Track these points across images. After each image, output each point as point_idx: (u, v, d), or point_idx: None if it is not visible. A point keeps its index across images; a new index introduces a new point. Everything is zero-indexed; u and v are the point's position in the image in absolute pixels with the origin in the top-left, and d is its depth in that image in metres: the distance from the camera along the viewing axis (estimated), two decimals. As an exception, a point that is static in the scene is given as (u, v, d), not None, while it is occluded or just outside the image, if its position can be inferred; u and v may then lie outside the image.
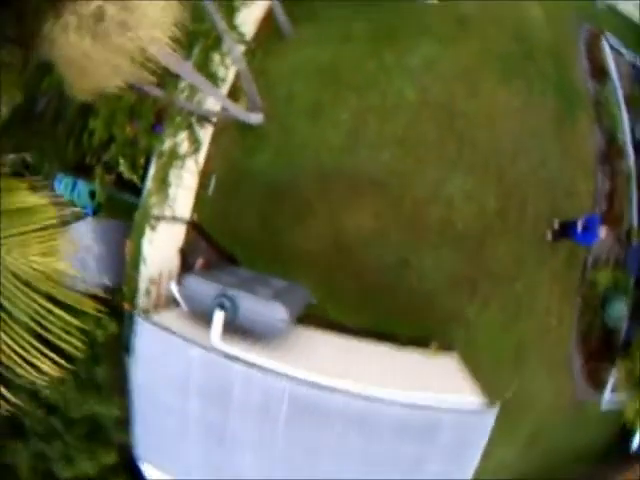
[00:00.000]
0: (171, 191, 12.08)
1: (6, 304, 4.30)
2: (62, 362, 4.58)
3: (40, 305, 4.45)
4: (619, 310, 14.15)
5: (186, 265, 12.39)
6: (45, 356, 4.53)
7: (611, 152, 14.65)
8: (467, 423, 8.95)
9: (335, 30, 13.24)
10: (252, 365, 8.54)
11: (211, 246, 12.61)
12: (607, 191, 14.52)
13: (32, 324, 4.47)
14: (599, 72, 14.98)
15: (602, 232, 12.53)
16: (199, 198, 12.80)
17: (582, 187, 14.20)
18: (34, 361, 4.49)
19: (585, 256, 14.08)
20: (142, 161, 12.10)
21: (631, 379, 13.41)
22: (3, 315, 4.30)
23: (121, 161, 11.94)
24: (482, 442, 9.05)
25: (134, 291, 11.60)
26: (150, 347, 9.37)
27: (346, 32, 13.18)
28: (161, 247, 12.00)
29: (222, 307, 8.90)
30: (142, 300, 11.59)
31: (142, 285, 11.63)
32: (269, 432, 8.78)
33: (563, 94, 14.11)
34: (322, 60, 12.93)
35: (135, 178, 12.04)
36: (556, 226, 13.46)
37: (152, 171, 12.00)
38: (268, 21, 13.19)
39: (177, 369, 9.16)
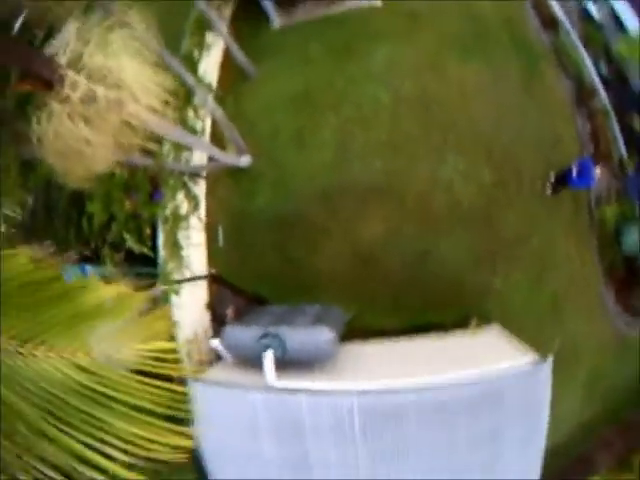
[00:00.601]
0: (184, 253, 12.51)
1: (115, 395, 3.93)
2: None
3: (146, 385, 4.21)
4: (634, 238, 14.61)
5: (218, 318, 12.72)
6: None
7: (583, 94, 15.20)
8: (527, 382, 9.35)
9: (294, 57, 13.83)
10: (314, 392, 8.88)
11: (237, 293, 12.90)
12: (589, 132, 15.08)
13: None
14: (550, 23, 15.54)
15: (597, 172, 13.10)
16: (212, 251, 13.21)
17: (565, 135, 14.79)
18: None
19: (588, 198, 14.64)
20: (148, 231, 12.49)
21: None
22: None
23: (127, 237, 12.28)
24: (546, 397, 9.49)
25: (177, 358, 12.02)
26: (211, 407, 9.51)
27: (305, 56, 13.77)
28: (189, 308, 12.35)
29: (269, 347, 9.34)
30: (187, 364, 11.86)
31: (182, 350, 11.92)
32: (349, 450, 9.04)
33: (523, 54, 14.69)
34: (291, 89, 13.52)
35: (145, 250, 12.42)
36: (553, 179, 13.98)
37: (161, 239, 12.41)
38: (229, 65, 13.76)
39: (243, 419, 9.41)
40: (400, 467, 9.15)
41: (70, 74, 5.92)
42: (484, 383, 8.93)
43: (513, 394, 9.15)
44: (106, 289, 4.35)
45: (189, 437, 4.04)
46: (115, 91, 6.27)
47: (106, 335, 3.95)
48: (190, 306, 12.39)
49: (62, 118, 6.03)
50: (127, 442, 3.62)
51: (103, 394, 3.70)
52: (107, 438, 3.54)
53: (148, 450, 3.70)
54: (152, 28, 7.22)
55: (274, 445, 9.33)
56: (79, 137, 6.22)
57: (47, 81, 5.88)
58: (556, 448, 12.38)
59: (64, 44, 6.17)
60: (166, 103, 7.05)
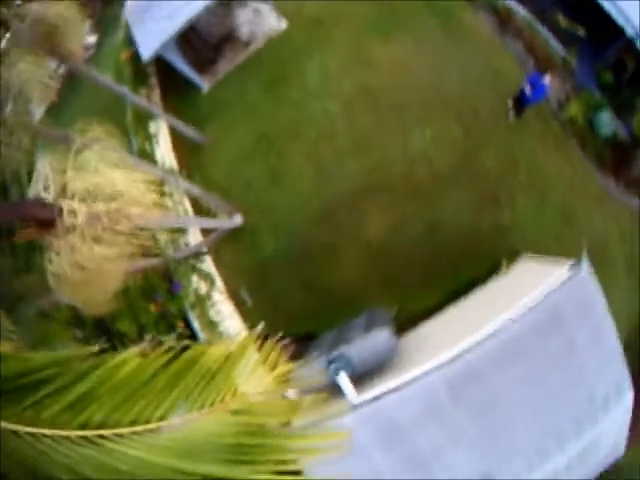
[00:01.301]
0: (221, 327, 13.09)
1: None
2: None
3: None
4: (605, 120, 15.37)
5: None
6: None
7: (503, 19, 16.00)
8: (574, 287, 9.88)
9: (236, 109, 14.61)
10: (396, 388, 9.32)
11: (281, 339, 13.39)
12: (524, 49, 15.90)
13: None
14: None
15: (546, 81, 13.80)
16: (245, 314, 13.64)
17: (504, 63, 15.63)
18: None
19: (550, 108, 15.40)
20: (181, 324, 13.02)
21: None
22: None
23: (164, 339, 12.44)
24: (597, 293, 10.14)
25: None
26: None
27: (245, 103, 14.61)
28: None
29: (339, 370, 9.96)
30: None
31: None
32: (451, 423, 9.59)
33: (435, 10, 15.61)
34: (246, 138, 14.31)
35: (187, 342, 12.79)
36: (511, 105, 14.72)
37: (196, 324, 13.00)
38: (180, 143, 14.43)
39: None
40: (502, 414, 9.72)
41: (65, 204, 6.11)
42: (540, 304, 9.49)
43: (567, 303, 9.78)
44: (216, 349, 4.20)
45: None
46: (110, 202, 6.54)
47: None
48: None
49: (73, 247, 6.18)
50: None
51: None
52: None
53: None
54: (112, 136, 7.65)
55: (385, 456, 9.73)
56: (95, 257, 6.39)
57: (47, 221, 6.07)
58: (629, 341, 13.17)
59: (44, 181, 6.31)
60: (154, 197, 7.33)
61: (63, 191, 6.20)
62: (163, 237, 12.88)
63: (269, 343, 4.28)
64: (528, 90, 13.88)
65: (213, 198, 12.93)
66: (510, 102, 14.78)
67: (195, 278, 13.38)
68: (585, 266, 9.96)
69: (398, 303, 13.02)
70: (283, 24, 15.34)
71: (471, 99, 14.73)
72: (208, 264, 13.73)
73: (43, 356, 3.62)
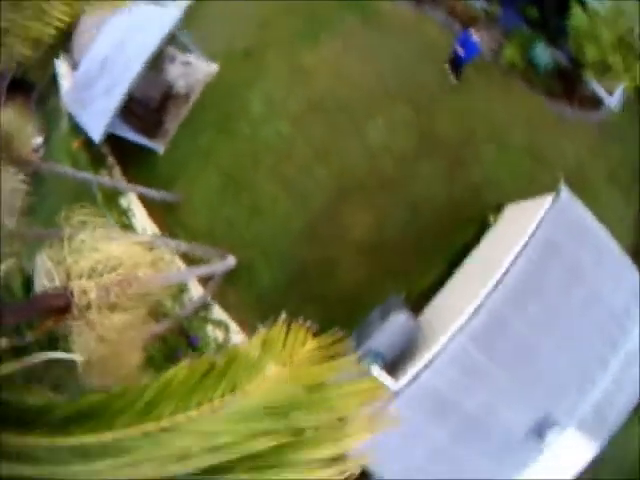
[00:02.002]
0: None
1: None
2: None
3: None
4: (543, 53, 16.11)
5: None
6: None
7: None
8: (562, 213, 10.62)
9: (196, 160, 15.24)
10: (430, 361, 9.91)
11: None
12: (443, 13, 16.70)
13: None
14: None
15: (475, 35, 14.53)
16: None
17: (430, 32, 16.48)
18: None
19: (486, 60, 16.12)
20: None
21: (599, 67, 14.77)
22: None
23: None
24: (588, 215, 10.86)
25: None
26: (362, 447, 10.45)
27: (202, 152, 15.23)
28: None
29: (371, 363, 10.47)
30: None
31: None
32: (488, 378, 10.20)
33: (352, 7, 16.36)
34: (215, 183, 14.93)
35: None
36: (449, 69, 15.48)
37: None
38: (155, 208, 14.87)
39: (393, 432, 10.24)
40: (535, 354, 10.33)
41: (74, 286, 6.29)
42: (533, 239, 10.20)
43: (559, 231, 10.56)
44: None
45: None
46: (114, 272, 6.74)
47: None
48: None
49: (92, 323, 6.41)
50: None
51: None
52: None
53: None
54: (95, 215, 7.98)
55: (441, 429, 10.28)
56: (114, 326, 6.67)
57: (62, 307, 6.25)
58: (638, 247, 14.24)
59: (47, 274, 6.53)
60: (151, 258, 7.60)
61: (68, 276, 6.43)
62: (168, 300, 13.22)
63: (294, 328, 4.74)
64: (460, 51, 14.60)
65: (202, 248, 13.37)
66: (447, 67, 15.47)
67: (210, 327, 13.91)
68: (564, 192, 10.65)
69: (405, 288, 13.64)
70: (214, 66, 15.91)
71: (410, 77, 15.54)
72: (217, 311, 14.19)
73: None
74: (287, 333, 4.71)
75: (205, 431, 4.02)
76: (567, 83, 16.44)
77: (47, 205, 13.26)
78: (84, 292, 6.46)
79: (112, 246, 7.15)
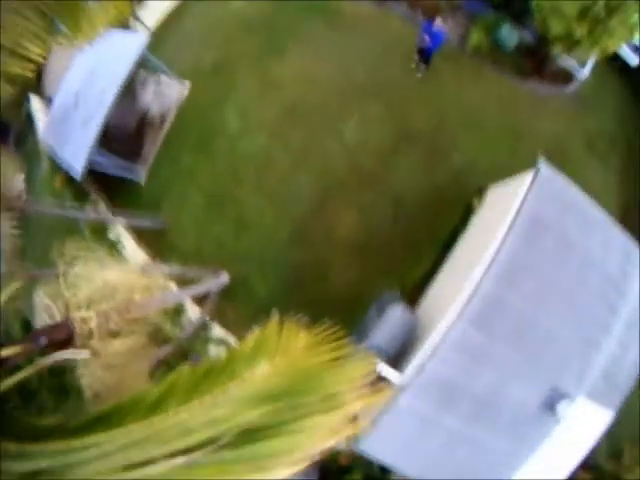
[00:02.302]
0: None
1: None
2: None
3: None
4: (508, 34, 16.52)
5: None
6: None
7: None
8: (544, 188, 10.83)
9: (178, 183, 15.54)
10: (434, 352, 10.11)
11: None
12: (405, 6, 17.15)
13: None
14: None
15: (440, 25, 14.75)
16: None
17: (395, 26, 16.89)
18: None
19: (453, 48, 16.59)
20: None
21: (565, 41, 14.93)
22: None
23: None
24: (569, 186, 11.08)
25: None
26: (383, 449, 10.79)
27: (184, 173, 15.49)
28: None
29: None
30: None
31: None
32: (491, 361, 10.35)
33: (314, 12, 16.92)
34: (198, 202, 15.20)
35: None
36: (417, 60, 15.86)
37: None
38: (144, 236, 15.05)
39: (407, 425, 10.56)
40: (536, 329, 10.50)
41: (74, 317, 6.44)
42: (518, 216, 10.41)
43: (542, 204, 10.74)
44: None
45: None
46: (112, 299, 7.00)
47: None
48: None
49: (96, 351, 6.53)
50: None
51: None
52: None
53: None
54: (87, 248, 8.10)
55: (453, 416, 10.44)
56: (118, 351, 6.89)
57: (65, 339, 6.33)
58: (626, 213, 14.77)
59: (47, 309, 6.79)
60: (146, 283, 7.94)
61: (67, 309, 6.64)
62: (168, 324, 13.38)
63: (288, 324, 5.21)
64: (426, 41, 14.78)
65: (194, 269, 13.41)
66: (415, 58, 15.82)
67: (212, 347, 14.06)
68: (544, 167, 10.87)
69: (398, 282, 13.97)
70: (186, 86, 16.19)
71: (380, 73, 15.92)
72: (217, 330, 14.35)
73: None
74: (281, 329, 5.14)
75: (207, 418, 4.34)
76: (536, 60, 16.80)
77: (37, 244, 13.43)
78: (84, 322, 6.60)
79: (106, 275, 7.43)
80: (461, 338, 10.15)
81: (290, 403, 4.38)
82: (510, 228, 10.32)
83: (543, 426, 10.66)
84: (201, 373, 4.79)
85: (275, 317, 5.28)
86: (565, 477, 11.53)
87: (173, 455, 4.13)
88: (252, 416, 4.27)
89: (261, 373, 4.63)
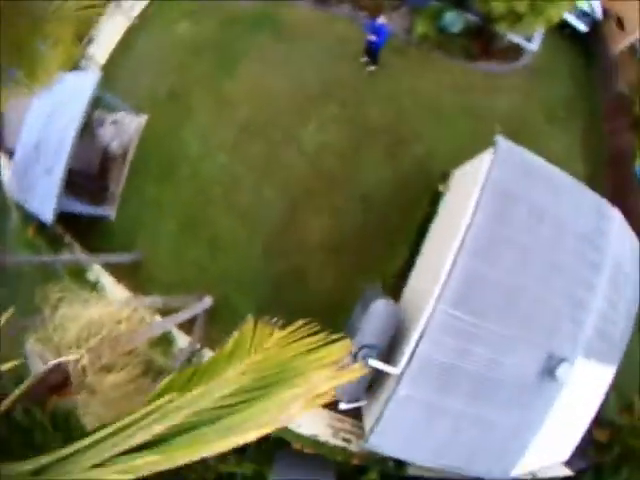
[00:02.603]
0: None
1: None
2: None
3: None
4: (453, 20, 17.03)
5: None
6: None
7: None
8: (505, 162, 11.06)
9: (146, 213, 15.71)
10: (422, 334, 10.31)
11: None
12: (347, 7, 17.62)
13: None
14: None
15: (384, 20, 15.13)
16: None
17: (340, 29, 17.33)
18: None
19: (400, 41, 17.03)
20: None
21: (509, 18, 15.29)
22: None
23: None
24: (531, 156, 11.39)
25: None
26: (392, 443, 11.10)
27: (150, 203, 15.70)
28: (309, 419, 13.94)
29: (367, 357, 11.07)
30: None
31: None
32: (489, 336, 10.42)
33: (258, 25, 17.30)
34: (170, 231, 15.38)
35: None
36: (365, 59, 16.30)
37: None
38: (123, 272, 15.22)
39: (411, 415, 10.74)
40: (521, 300, 10.67)
41: (66, 358, 6.43)
42: (484, 191, 10.66)
43: (506, 177, 10.95)
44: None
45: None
46: (101, 334, 6.93)
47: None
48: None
49: (93, 388, 6.55)
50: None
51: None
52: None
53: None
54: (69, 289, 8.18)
55: (455, 397, 10.65)
56: (115, 385, 6.83)
57: (61, 382, 6.39)
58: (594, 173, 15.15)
59: (40, 356, 6.64)
60: (132, 315, 7.64)
61: (59, 352, 6.60)
62: (159, 355, 13.56)
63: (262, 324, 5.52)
64: (373, 38, 15.20)
65: (177, 298, 13.49)
66: (364, 57, 16.21)
67: None
68: (501, 140, 11.19)
69: (378, 277, 14.29)
70: (144, 117, 16.40)
71: (331, 76, 16.31)
72: (209, 355, 14.34)
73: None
74: (255, 330, 5.45)
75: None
76: (483, 41, 17.30)
77: (20, 294, 13.52)
78: (77, 360, 6.63)
79: (90, 313, 7.42)
80: (448, 320, 10.32)
81: (263, 392, 4.63)
82: (477, 205, 10.54)
83: (547, 393, 10.87)
84: (188, 375, 5.18)
85: (249, 321, 5.53)
86: (579, 439, 11.86)
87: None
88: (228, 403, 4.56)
89: (235, 371, 4.90)
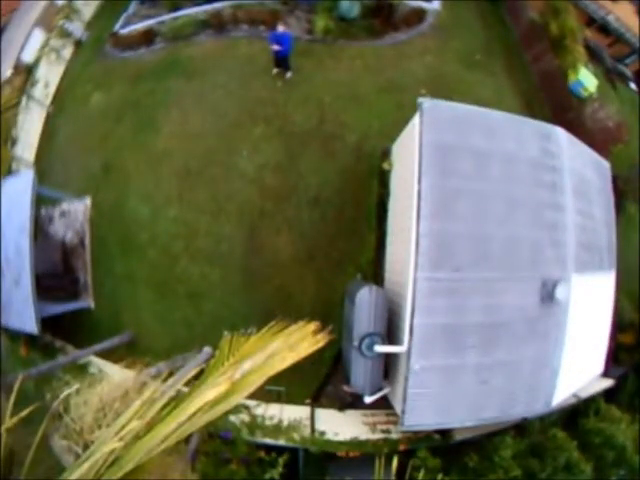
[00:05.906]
0: (282, 416, 14.47)
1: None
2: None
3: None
4: (349, 5, 18.08)
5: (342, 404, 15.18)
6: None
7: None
8: (443, 120, 11.63)
9: (121, 290, 16.52)
10: (416, 305, 10.78)
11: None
12: (244, 27, 18.87)
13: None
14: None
15: (283, 28, 16.20)
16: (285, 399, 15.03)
17: (244, 49, 18.50)
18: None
19: (304, 41, 18.13)
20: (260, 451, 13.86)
21: None
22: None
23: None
24: (465, 108, 11.97)
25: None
26: (427, 416, 11.53)
27: (123, 280, 16.49)
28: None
29: (372, 345, 11.85)
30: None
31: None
32: (479, 283, 11.02)
33: (167, 73, 18.46)
34: (148, 299, 16.21)
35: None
36: (276, 70, 17.41)
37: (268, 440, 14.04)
38: (116, 355, 15.09)
39: (433, 383, 11.23)
40: (495, 244, 11.24)
41: (91, 439, 6.83)
42: (425, 150, 11.20)
43: (444, 131, 11.53)
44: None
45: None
46: (113, 406, 7.48)
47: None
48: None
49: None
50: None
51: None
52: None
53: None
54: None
55: (467, 353, 11.19)
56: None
57: None
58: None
59: (68, 449, 7.09)
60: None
61: (84, 438, 7.13)
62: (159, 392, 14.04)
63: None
64: (278, 47, 16.24)
65: (177, 360, 14.14)
66: (275, 68, 17.35)
67: (230, 417, 14.28)
68: (423, 100, 11.72)
69: (356, 269, 15.27)
70: (87, 199, 17.28)
71: (248, 98, 17.40)
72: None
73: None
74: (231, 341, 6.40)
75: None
76: (384, 15, 18.43)
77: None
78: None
79: (100, 393, 8.20)
80: (431, 285, 10.94)
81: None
82: (420, 169, 11.16)
83: (555, 317, 11.52)
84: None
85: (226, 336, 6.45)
86: (607, 349, 12.68)
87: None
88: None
89: (215, 383, 5.69)
